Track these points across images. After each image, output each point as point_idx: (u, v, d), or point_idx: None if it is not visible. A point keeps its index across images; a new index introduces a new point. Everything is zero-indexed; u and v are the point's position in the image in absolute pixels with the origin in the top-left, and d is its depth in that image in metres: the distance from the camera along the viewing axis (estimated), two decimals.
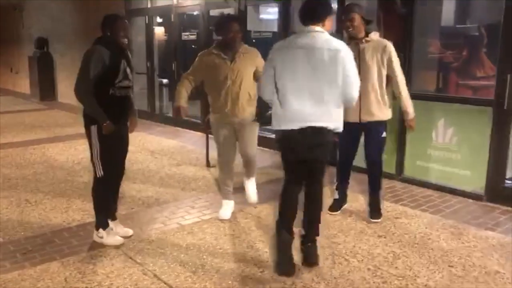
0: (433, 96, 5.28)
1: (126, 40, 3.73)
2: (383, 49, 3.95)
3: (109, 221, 3.86)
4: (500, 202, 4.69)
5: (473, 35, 5.56)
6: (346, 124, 3.66)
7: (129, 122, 3.97)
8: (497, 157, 4.70)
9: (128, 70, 3.72)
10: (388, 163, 4.99)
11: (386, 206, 4.64)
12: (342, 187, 4.50)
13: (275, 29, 7.27)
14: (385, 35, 3.95)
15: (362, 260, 3.54)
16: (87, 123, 3.71)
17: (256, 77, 4.15)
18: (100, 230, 3.79)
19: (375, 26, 4.15)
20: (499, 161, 4.70)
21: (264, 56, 3.69)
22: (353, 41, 3.98)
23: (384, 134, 4.15)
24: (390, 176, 5.38)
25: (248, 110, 4.23)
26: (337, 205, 4.49)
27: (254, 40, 8.18)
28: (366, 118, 4.03)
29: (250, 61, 4.20)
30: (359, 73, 3.58)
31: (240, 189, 4.78)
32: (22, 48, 15.65)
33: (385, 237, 3.94)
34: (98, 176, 3.73)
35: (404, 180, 5.39)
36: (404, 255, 3.62)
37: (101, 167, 3.71)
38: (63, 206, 4.69)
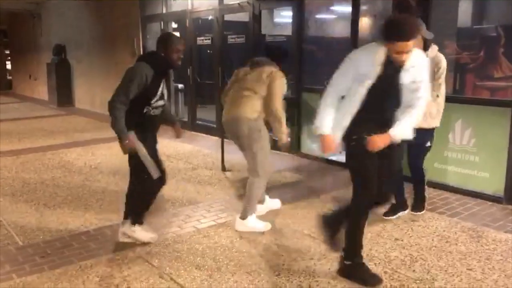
0: (450, 98, 5.20)
1: (179, 62, 3.65)
2: (437, 64, 4.03)
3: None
4: None
5: (490, 36, 5.50)
6: None
7: (173, 130, 4.20)
8: None
9: (165, 90, 3.70)
10: (407, 165, 4.93)
11: None
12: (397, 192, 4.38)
13: (289, 32, 7.28)
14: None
15: (379, 263, 3.51)
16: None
17: None
18: (136, 225, 3.88)
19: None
20: None
21: None
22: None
23: (428, 144, 4.21)
24: (407, 179, 5.32)
25: None
26: (391, 211, 4.42)
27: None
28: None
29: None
30: None
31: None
32: (40, 55, 15.93)
33: (402, 240, 3.91)
34: (154, 177, 3.72)
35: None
36: (422, 258, 3.58)
37: (153, 166, 3.71)
38: (80, 210, 4.74)
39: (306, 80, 6.85)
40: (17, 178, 5.98)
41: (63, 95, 13.98)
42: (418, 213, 4.44)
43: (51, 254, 3.73)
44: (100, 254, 3.73)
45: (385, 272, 3.36)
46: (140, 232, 3.89)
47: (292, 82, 6.88)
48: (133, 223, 3.89)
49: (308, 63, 6.96)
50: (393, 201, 4.34)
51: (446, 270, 3.39)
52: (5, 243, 3.98)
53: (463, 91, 5.58)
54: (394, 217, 4.36)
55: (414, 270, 3.39)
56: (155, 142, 3.89)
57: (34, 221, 4.47)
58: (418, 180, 4.46)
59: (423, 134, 3.98)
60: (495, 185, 4.79)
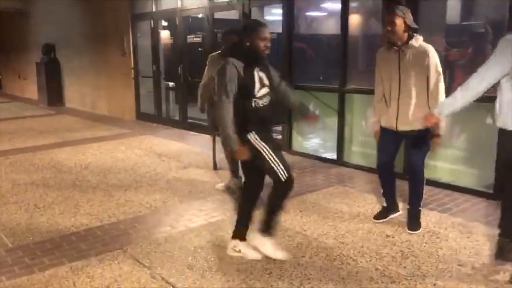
0: None
1: (267, 50, 3.42)
2: (423, 55, 3.70)
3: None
4: None
5: (478, 32, 5.53)
6: (384, 129, 4.00)
7: (307, 118, 4.00)
8: None
9: (265, 78, 3.44)
10: (397, 162, 4.94)
11: None
12: (386, 194, 4.28)
13: (280, 30, 7.27)
14: (386, 17, 3.78)
15: (370, 260, 3.52)
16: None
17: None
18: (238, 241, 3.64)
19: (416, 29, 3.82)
20: None
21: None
22: (393, 48, 3.80)
23: (429, 143, 3.92)
24: (397, 176, 5.34)
25: None
26: (382, 214, 4.30)
27: None
28: (402, 128, 3.88)
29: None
30: (399, 81, 3.78)
31: None
32: (29, 54, 15.79)
33: (393, 237, 3.92)
34: (283, 179, 3.43)
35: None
36: (413, 255, 3.60)
37: (281, 167, 3.44)
38: (71, 211, 4.71)
39: (296, 78, 6.85)
40: (6, 179, 5.93)
41: (53, 94, 13.88)
42: (415, 232, 4.01)
43: (41, 256, 3.70)
44: (90, 254, 3.71)
45: (377, 269, 3.37)
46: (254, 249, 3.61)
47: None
48: (265, 234, 3.56)
49: (299, 60, 6.96)
50: (384, 203, 4.31)
51: (437, 266, 3.41)
52: None
53: (452, 87, 5.59)
54: (386, 219, 4.26)
55: (405, 267, 3.41)
56: (273, 138, 3.66)
57: (23, 222, 4.44)
58: (418, 181, 4.08)
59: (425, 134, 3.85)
60: (485, 181, 4.83)
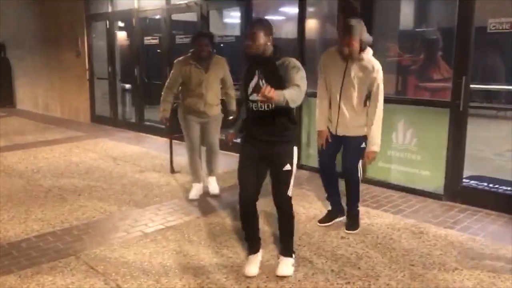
0: (392, 99, 5.38)
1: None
2: (370, 70, 3.80)
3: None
4: (458, 201, 4.83)
5: (430, 38, 5.72)
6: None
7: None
8: (454, 157, 4.84)
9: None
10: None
11: None
12: (329, 197, 4.31)
13: (238, 33, 7.29)
14: (344, 38, 3.85)
15: (326, 261, 3.57)
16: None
17: (224, 82, 4.97)
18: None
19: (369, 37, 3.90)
20: (456, 161, 4.85)
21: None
22: (344, 58, 3.85)
23: (363, 145, 3.94)
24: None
25: (215, 109, 4.98)
26: (327, 217, 4.30)
27: (221, 45, 8.17)
28: (342, 133, 4.00)
29: (221, 70, 4.92)
30: (341, 88, 3.88)
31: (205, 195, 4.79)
32: None
33: (348, 238, 3.99)
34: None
35: (366, 181, 5.46)
36: (367, 256, 3.67)
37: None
38: (21, 217, 4.54)
39: None
40: None
41: (3, 95, 13.35)
42: (353, 232, 4.09)
43: None
44: (41, 262, 3.58)
45: (332, 270, 3.42)
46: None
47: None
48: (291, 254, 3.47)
49: None
50: (329, 207, 4.34)
51: (390, 266, 3.49)
52: None
53: (405, 92, 5.77)
54: (331, 223, 4.24)
55: (359, 268, 3.47)
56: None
57: None
58: (354, 181, 4.12)
59: (362, 138, 3.97)
60: (436, 183, 4.99)
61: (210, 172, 5.20)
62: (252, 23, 3.45)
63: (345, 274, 3.38)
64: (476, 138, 5.31)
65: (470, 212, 4.65)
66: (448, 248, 3.82)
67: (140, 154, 7.29)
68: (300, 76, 3.12)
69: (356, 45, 3.75)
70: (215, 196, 5.09)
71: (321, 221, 4.28)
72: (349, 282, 3.26)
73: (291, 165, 3.27)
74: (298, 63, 3.20)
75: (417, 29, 6.21)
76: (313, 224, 4.30)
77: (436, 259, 3.62)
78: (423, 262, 3.57)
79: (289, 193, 3.33)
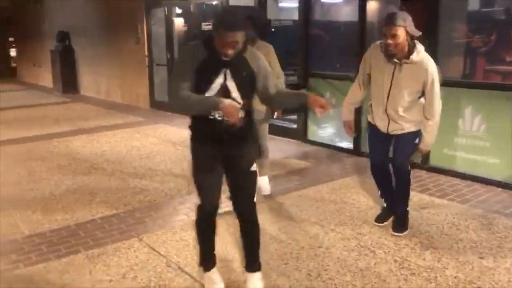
0: (459, 83, 5.12)
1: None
2: (423, 73, 3.36)
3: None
4: None
5: (501, 19, 5.37)
6: (374, 126, 3.74)
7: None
8: None
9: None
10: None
11: (412, 195, 4.50)
12: (384, 194, 3.97)
13: (296, 17, 7.16)
14: (385, 33, 3.48)
15: (389, 251, 3.46)
16: None
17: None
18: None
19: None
20: None
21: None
22: (391, 59, 3.41)
23: (417, 140, 3.61)
24: (416, 166, 5.27)
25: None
26: (383, 216, 3.97)
27: (273, 29, 8.09)
28: (394, 132, 3.62)
29: (266, 57, 4.29)
30: (389, 94, 3.48)
31: None
32: (44, 42, 15.85)
33: (411, 228, 3.85)
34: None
35: (430, 170, 5.26)
36: (432, 247, 3.53)
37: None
38: (86, 199, 4.71)
39: (312, 66, 6.75)
40: (23, 166, 5.96)
41: (68, 82, 13.92)
42: (400, 234, 3.72)
43: (57, 243, 3.70)
44: (107, 243, 3.70)
45: (395, 261, 3.31)
46: None
47: (300, 67, 6.80)
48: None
49: (315, 48, 6.85)
50: (384, 204, 4.00)
51: (457, 259, 3.34)
52: (11, 232, 3.96)
53: (473, 75, 5.47)
54: (387, 222, 3.89)
55: (424, 259, 3.34)
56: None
57: (40, 210, 4.45)
58: (402, 180, 3.79)
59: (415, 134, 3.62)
60: (505, 171, 4.72)
61: (259, 172, 4.81)
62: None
63: (409, 264, 3.26)
64: None
65: None
66: None
67: None
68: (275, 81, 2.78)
69: (401, 34, 3.26)
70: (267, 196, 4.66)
71: (377, 220, 3.95)
72: (413, 273, 3.15)
73: (255, 166, 2.83)
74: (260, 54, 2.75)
75: (487, 9, 5.85)
76: (373, 213, 4.18)
77: (508, 252, 3.42)
78: (493, 255, 3.38)
79: (255, 199, 2.85)
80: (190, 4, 9.16)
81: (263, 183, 4.66)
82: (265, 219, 4.09)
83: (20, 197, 4.82)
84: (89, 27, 12.71)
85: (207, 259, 3.02)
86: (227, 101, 2.52)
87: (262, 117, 4.37)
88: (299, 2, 6.88)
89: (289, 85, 4.69)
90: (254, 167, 2.82)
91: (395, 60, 3.39)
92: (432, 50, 4.88)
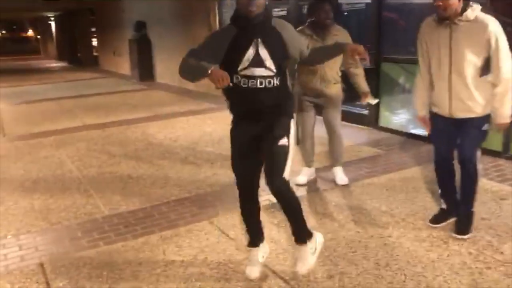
0: None
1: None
2: (483, 31, 3.07)
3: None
4: None
5: None
6: (436, 116, 3.43)
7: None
8: None
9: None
10: (494, 139, 4.59)
11: (491, 185, 4.33)
12: (445, 194, 3.64)
13: (368, 0, 6.96)
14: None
15: (463, 243, 3.32)
16: None
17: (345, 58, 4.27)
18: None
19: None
20: None
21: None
22: (444, 22, 3.18)
23: (485, 127, 3.29)
24: (496, 154, 5.00)
25: (335, 88, 4.39)
26: (440, 217, 3.66)
27: (346, 13, 7.91)
28: (458, 114, 3.29)
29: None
30: (451, 61, 3.20)
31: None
32: (123, 31, 16.54)
33: (489, 220, 3.67)
34: None
35: (511, 158, 4.96)
36: None
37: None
38: (161, 182, 4.92)
39: (386, 50, 6.55)
40: (103, 151, 6.32)
41: (145, 70, 14.48)
42: (463, 236, 3.40)
43: (134, 224, 3.91)
44: (179, 224, 3.86)
45: (470, 253, 3.18)
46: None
47: (372, 52, 6.62)
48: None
49: (388, 31, 6.64)
50: (443, 205, 3.66)
51: None
52: (92, 212, 4.23)
53: None
54: (442, 225, 3.59)
55: (502, 252, 3.18)
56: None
57: (118, 191, 4.71)
58: (469, 176, 3.40)
59: (483, 119, 3.28)
60: None
61: (335, 162, 4.64)
62: None
63: (485, 258, 3.12)
64: None
65: None
66: None
67: None
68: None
69: (452, 4, 3.04)
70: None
71: (432, 221, 3.63)
72: (489, 267, 3.01)
73: (288, 140, 2.77)
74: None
75: None
76: None
77: None
78: None
79: (285, 175, 2.74)
80: None
81: (338, 173, 4.62)
82: (334, 207, 4.07)
83: (101, 179, 5.12)
84: (164, 17, 13.10)
85: (250, 238, 3.12)
86: (216, 69, 2.57)
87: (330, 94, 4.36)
88: None
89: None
90: (284, 141, 2.74)
91: (447, 21, 3.15)
92: None
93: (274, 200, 4.24)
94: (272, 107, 2.78)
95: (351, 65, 4.38)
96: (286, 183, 2.75)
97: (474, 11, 3.10)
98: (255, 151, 2.84)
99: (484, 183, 4.33)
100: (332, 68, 4.31)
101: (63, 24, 26.27)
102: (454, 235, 3.42)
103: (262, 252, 3.11)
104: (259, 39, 2.69)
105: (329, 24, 4.27)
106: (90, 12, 21.65)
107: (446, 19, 3.15)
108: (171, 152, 6.07)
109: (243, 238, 3.54)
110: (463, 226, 3.46)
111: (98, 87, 13.82)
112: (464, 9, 3.09)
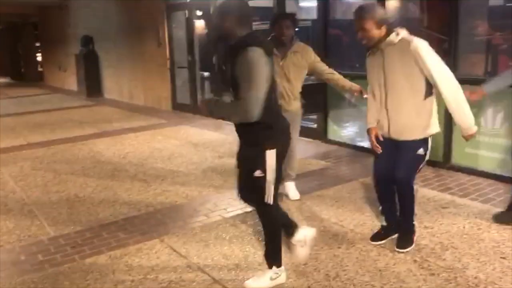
0: (481, 80, 5.04)
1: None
2: (407, 52, 3.13)
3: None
4: None
5: None
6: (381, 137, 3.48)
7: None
8: None
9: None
10: (435, 150, 4.80)
11: (433, 195, 4.52)
12: (385, 210, 3.67)
13: (315, 16, 7.16)
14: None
15: (408, 252, 3.44)
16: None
17: (317, 71, 4.46)
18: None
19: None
20: None
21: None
22: (374, 49, 3.30)
23: (421, 151, 3.29)
24: (437, 164, 5.22)
25: (294, 104, 4.40)
26: (381, 234, 3.67)
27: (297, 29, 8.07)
28: (395, 136, 3.34)
29: (302, 59, 4.34)
30: (386, 86, 3.27)
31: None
32: (68, 46, 16.17)
33: (432, 228, 3.82)
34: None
35: (451, 168, 5.21)
36: (453, 246, 3.50)
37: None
38: (110, 200, 4.82)
39: (332, 65, 6.72)
40: (48, 169, 6.11)
41: (92, 85, 14.19)
42: (403, 250, 3.46)
43: (82, 244, 3.80)
44: (129, 243, 3.78)
45: (415, 261, 3.30)
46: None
47: None
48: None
49: (334, 48, 6.84)
50: (383, 222, 3.69)
51: (478, 259, 3.30)
52: (37, 233, 4.08)
53: (495, 73, 5.38)
54: (383, 242, 3.61)
55: (444, 259, 3.32)
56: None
57: (65, 211, 4.57)
58: (405, 196, 3.47)
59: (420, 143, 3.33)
60: None
61: (287, 176, 4.54)
62: None
63: (429, 265, 3.24)
64: None
65: None
66: None
67: (219, 140, 7.44)
68: (246, 84, 2.65)
69: (369, 27, 3.14)
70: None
71: (373, 239, 3.64)
72: (433, 274, 3.13)
73: (263, 171, 2.81)
74: (251, 55, 2.63)
75: (508, 4, 5.75)
76: None
77: None
78: None
79: (267, 200, 2.86)
80: (211, 7, 9.23)
81: (290, 188, 4.61)
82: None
83: (46, 199, 4.95)
84: (112, 31, 12.93)
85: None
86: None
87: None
88: (318, 1, 6.87)
89: (307, 85, 4.68)
90: (258, 173, 2.83)
91: (376, 48, 3.26)
92: (453, 48, 4.86)
93: (225, 215, 4.26)
94: (242, 136, 3.05)
95: (325, 75, 4.46)
96: (262, 212, 2.99)
97: (399, 35, 3.17)
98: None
99: (426, 193, 4.54)
100: (293, 85, 4.33)
101: (5, 39, 25.33)
102: (396, 249, 3.47)
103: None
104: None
105: (285, 40, 4.27)
106: (34, 27, 21.04)
107: (374, 47, 3.27)
108: (120, 170, 5.95)
109: (195, 255, 3.51)
110: (404, 241, 3.51)
111: (43, 103, 13.40)
112: (387, 35, 3.19)
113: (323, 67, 4.48)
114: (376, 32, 3.18)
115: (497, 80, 3.87)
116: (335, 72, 4.52)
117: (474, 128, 3.22)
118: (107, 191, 5.13)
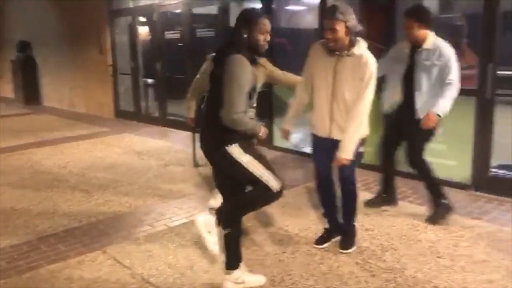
0: None
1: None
2: (362, 68, 3.24)
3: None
4: (486, 191, 4.73)
5: (455, 25, 5.57)
6: (318, 138, 3.55)
7: None
8: (481, 146, 4.74)
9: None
10: (372, 154, 4.96)
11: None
12: (327, 213, 3.79)
13: None
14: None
15: (350, 254, 3.54)
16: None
17: (273, 77, 4.39)
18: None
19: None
20: (483, 150, 4.74)
21: None
22: (332, 53, 3.33)
23: (361, 149, 3.44)
24: (374, 168, 5.39)
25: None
26: (324, 237, 3.77)
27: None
28: (336, 135, 3.40)
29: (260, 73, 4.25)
30: (333, 89, 3.34)
31: None
32: (3, 52, 15.45)
33: (372, 230, 3.95)
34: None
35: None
36: (392, 248, 3.63)
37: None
38: (49, 212, 4.64)
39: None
40: None
41: (30, 93, 13.60)
42: (346, 251, 3.59)
43: (18, 259, 3.63)
44: (70, 256, 3.66)
45: (357, 263, 3.40)
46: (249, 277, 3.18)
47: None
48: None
49: (278, 56, 6.94)
50: (326, 225, 3.80)
51: (416, 259, 3.45)
52: None
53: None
54: (326, 245, 3.70)
55: (384, 260, 3.44)
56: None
57: (0, 225, 4.35)
58: (349, 194, 3.62)
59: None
60: (463, 173, 4.89)
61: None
62: None
63: (370, 266, 3.35)
64: (507, 126, 5.17)
65: (498, 202, 4.55)
66: (476, 239, 3.74)
67: (164, 148, 7.35)
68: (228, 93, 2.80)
69: (340, 29, 3.17)
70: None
71: (317, 242, 3.72)
72: (374, 275, 3.23)
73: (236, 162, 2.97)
74: (235, 64, 2.81)
75: (441, 16, 6.06)
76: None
77: (463, 250, 3.56)
78: (450, 254, 3.51)
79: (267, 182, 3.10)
80: (154, 13, 9.13)
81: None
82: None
83: None
84: (51, 37, 12.48)
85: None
86: None
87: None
88: (262, 10, 6.96)
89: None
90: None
91: (337, 53, 3.30)
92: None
93: (170, 224, 4.21)
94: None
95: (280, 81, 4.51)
96: (227, 213, 3.07)
97: (361, 48, 3.26)
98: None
99: (367, 197, 4.67)
100: None
101: None
102: (340, 250, 3.59)
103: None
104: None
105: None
106: None
107: (335, 51, 3.30)
108: (60, 180, 5.75)
109: (139, 266, 3.45)
110: (346, 243, 3.64)
111: None
112: (352, 45, 3.26)
113: (277, 72, 4.47)
114: (344, 38, 3.22)
115: (444, 99, 3.95)
116: (284, 73, 4.52)
117: (349, 157, 3.31)
118: (46, 202, 4.94)
